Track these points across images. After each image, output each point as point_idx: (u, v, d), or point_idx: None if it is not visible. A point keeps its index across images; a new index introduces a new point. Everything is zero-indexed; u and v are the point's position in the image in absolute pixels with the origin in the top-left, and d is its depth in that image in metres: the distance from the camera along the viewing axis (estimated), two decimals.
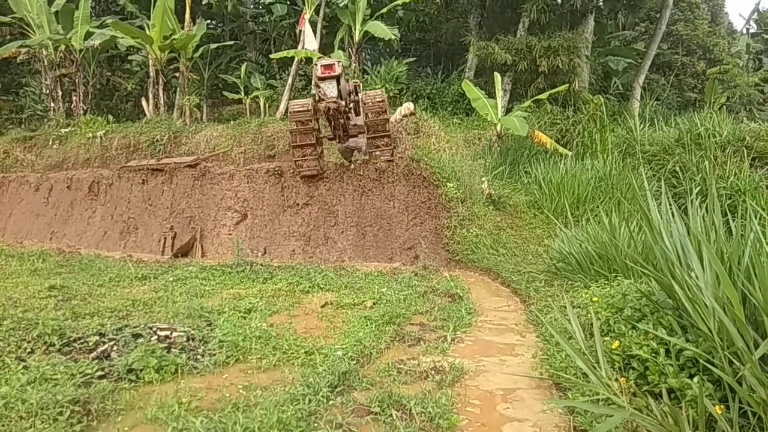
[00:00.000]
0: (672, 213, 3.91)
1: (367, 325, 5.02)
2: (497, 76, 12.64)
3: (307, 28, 12.72)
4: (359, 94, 9.75)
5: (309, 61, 15.08)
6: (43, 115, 16.29)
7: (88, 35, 14.99)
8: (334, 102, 8.65)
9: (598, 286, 4.79)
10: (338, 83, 8.57)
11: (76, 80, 15.41)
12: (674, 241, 3.63)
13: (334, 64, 8.57)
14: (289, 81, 14.58)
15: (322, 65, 8.59)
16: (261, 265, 7.81)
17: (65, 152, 13.27)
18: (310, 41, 12.43)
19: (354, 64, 14.48)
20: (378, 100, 9.35)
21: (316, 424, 3.12)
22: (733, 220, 4.00)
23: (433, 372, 3.96)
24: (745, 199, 8.94)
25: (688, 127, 11.74)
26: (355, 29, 14.25)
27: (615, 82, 19.00)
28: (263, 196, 9.76)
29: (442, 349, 4.54)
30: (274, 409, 3.17)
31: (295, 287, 6.80)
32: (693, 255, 3.42)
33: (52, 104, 15.50)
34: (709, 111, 12.79)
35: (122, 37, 14.15)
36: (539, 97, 12.97)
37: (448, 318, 5.38)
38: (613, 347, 3.46)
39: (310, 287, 6.82)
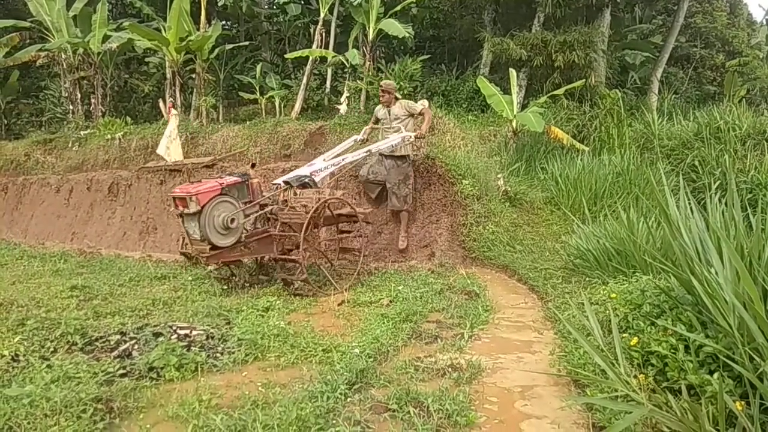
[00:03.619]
0: (691, 208, 3.88)
1: (383, 323, 5.02)
2: (512, 72, 12.54)
3: (170, 125, 7.83)
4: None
5: (324, 60, 15.14)
6: (63, 118, 16.52)
7: (106, 38, 15.16)
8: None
9: (616, 283, 4.74)
10: (200, 219, 5.83)
11: (95, 83, 15.60)
12: (693, 237, 3.60)
13: (186, 197, 5.78)
14: (304, 80, 14.62)
15: (174, 197, 5.96)
16: None
17: (85, 154, 13.45)
18: (175, 150, 7.58)
19: (368, 63, 14.48)
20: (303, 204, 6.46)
21: (334, 421, 3.14)
22: (754, 215, 3.94)
23: (450, 369, 3.96)
24: (766, 194, 8.81)
25: (707, 120, 11.56)
26: (369, 27, 14.24)
27: (632, 76, 18.77)
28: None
29: (459, 346, 4.53)
30: (292, 406, 3.20)
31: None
32: (712, 250, 3.38)
33: (71, 107, 15.70)
34: (729, 104, 12.60)
35: (139, 40, 14.27)
36: (555, 92, 12.86)
37: (465, 315, 5.36)
38: (632, 344, 3.44)
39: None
